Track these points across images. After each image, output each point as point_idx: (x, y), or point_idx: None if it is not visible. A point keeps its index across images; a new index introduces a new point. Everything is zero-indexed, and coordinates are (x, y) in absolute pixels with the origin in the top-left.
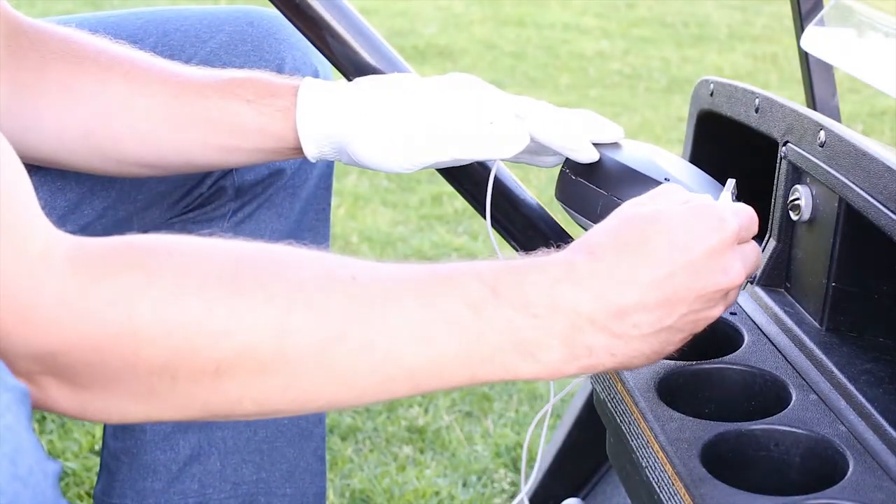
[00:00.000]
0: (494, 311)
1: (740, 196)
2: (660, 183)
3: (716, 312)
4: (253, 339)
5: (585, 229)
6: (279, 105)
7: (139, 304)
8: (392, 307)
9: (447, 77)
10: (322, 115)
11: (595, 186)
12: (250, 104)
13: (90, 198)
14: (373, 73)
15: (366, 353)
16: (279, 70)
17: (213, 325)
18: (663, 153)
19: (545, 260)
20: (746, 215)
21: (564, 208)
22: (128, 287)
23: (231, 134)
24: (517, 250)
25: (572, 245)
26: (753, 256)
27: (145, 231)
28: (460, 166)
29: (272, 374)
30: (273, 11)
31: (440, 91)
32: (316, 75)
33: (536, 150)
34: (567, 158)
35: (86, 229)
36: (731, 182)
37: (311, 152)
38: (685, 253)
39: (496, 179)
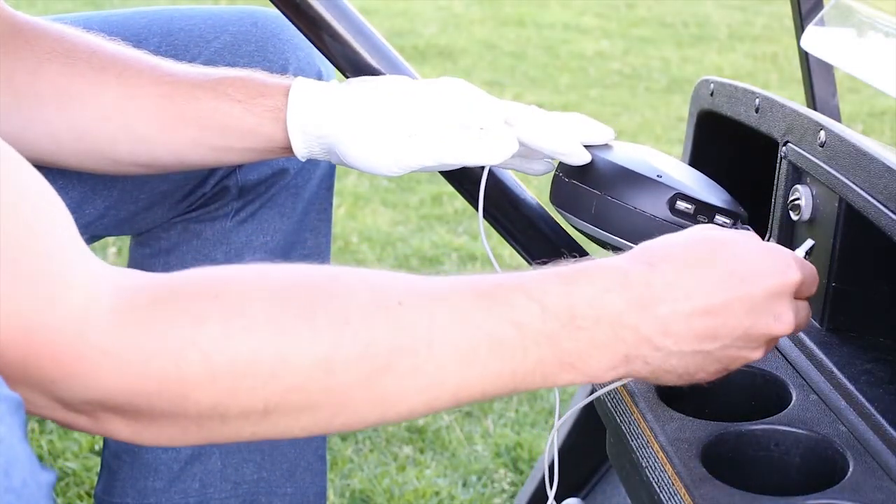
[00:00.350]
0: (541, 325)
1: (741, 197)
2: (653, 180)
3: (755, 355)
4: (300, 379)
5: (581, 232)
6: (270, 105)
7: (187, 353)
8: (438, 333)
9: (438, 81)
10: (312, 116)
11: (588, 187)
12: (241, 104)
13: (92, 197)
14: (373, 73)
15: (412, 380)
16: (283, 71)
17: (260, 368)
18: (654, 152)
19: (597, 267)
20: (811, 272)
21: (560, 212)
22: (174, 337)
23: (222, 134)
24: (517, 250)
25: (635, 250)
26: (804, 315)
27: (147, 229)
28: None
29: (320, 407)
30: (278, 12)
31: (431, 95)
32: (320, 76)
33: (527, 155)
34: (560, 162)
35: (87, 228)
36: (808, 242)
37: (301, 153)
38: (745, 286)
39: (497, 180)
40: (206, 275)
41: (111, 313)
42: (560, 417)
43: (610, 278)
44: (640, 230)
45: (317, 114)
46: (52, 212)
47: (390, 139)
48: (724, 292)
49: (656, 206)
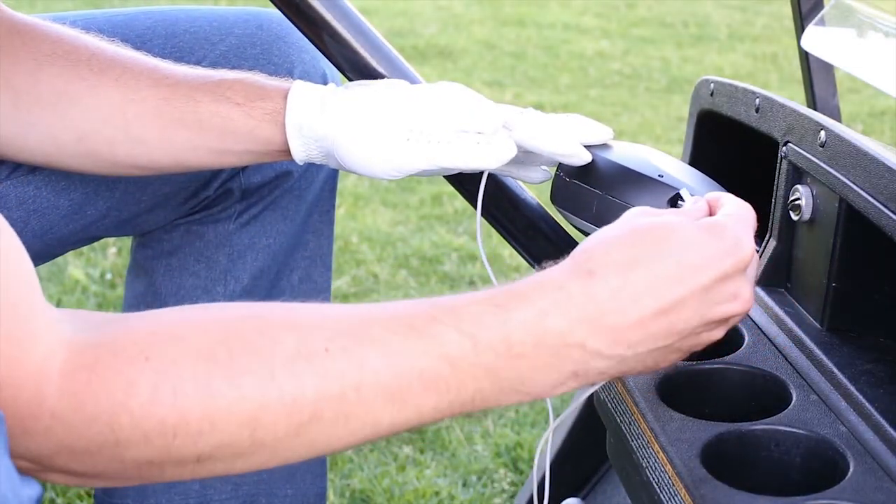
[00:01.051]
0: (474, 359)
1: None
2: (654, 180)
3: (717, 334)
4: (228, 436)
5: (582, 231)
6: (269, 108)
7: (119, 418)
8: (368, 376)
9: (436, 85)
10: (310, 119)
11: (589, 187)
12: (240, 107)
13: (94, 198)
14: (373, 74)
15: (342, 426)
16: (289, 74)
17: (188, 429)
18: (654, 152)
19: (534, 286)
20: (746, 221)
21: (561, 212)
22: (109, 402)
23: (221, 137)
24: (517, 251)
25: (572, 258)
26: (753, 272)
27: (150, 230)
28: None
29: (252, 455)
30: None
31: (429, 100)
32: (325, 79)
33: (525, 160)
34: (560, 163)
35: (88, 228)
36: (683, 189)
37: (300, 156)
38: (697, 277)
39: (497, 180)
40: (144, 330)
41: (61, 376)
42: (554, 421)
43: (548, 298)
44: None
45: (315, 117)
46: (14, 266)
47: (388, 143)
48: (676, 287)
49: (657, 206)
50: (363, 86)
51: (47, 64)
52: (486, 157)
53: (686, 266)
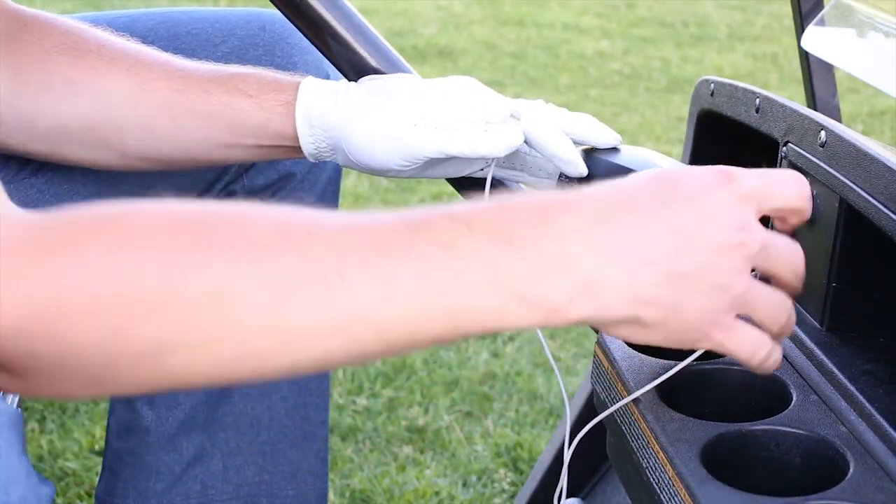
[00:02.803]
0: (470, 246)
1: None
2: None
3: (739, 281)
4: (191, 312)
5: None
6: (281, 100)
7: (68, 285)
8: (352, 261)
9: (447, 78)
10: (320, 109)
11: None
12: (252, 99)
13: (97, 202)
14: (373, 74)
15: (322, 314)
16: None
17: (146, 300)
18: (657, 155)
19: (534, 193)
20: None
21: None
22: (57, 270)
23: (231, 129)
24: None
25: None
26: (787, 251)
27: None
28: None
29: (217, 345)
30: None
31: (438, 89)
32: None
33: (532, 166)
34: None
35: None
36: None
37: (308, 148)
38: (694, 198)
39: (498, 182)
40: (105, 208)
41: (6, 246)
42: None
43: (550, 198)
44: None
45: (325, 107)
46: None
47: (395, 128)
48: (674, 208)
49: None
50: (374, 79)
51: (56, 53)
52: (494, 144)
53: (684, 188)
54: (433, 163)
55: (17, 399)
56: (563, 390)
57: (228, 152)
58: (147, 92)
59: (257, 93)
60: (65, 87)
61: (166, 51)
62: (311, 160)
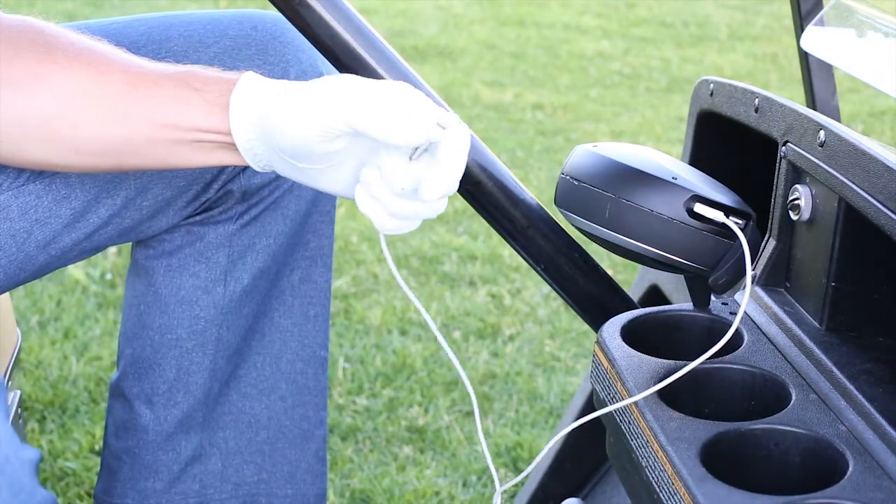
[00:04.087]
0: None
1: (741, 197)
2: (670, 182)
3: None
4: None
5: (587, 235)
6: (224, 90)
7: None
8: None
9: (384, 81)
10: (253, 99)
11: (601, 190)
12: (198, 92)
13: (95, 206)
14: (373, 74)
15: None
16: (285, 74)
17: None
18: (656, 152)
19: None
20: None
21: (566, 215)
22: None
23: (176, 124)
24: (517, 251)
25: None
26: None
27: (152, 236)
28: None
29: None
30: (278, 15)
31: (366, 82)
32: None
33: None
34: (567, 163)
35: (91, 237)
36: None
37: (241, 140)
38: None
39: (496, 180)
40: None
41: None
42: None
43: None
44: (657, 233)
45: (260, 96)
46: None
47: (311, 100)
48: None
49: (673, 209)
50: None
51: (25, 50)
52: (404, 131)
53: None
54: (352, 151)
55: (17, 397)
56: (489, 459)
57: (172, 152)
58: (102, 85)
59: (203, 86)
60: (28, 80)
61: (158, 54)
62: (245, 157)
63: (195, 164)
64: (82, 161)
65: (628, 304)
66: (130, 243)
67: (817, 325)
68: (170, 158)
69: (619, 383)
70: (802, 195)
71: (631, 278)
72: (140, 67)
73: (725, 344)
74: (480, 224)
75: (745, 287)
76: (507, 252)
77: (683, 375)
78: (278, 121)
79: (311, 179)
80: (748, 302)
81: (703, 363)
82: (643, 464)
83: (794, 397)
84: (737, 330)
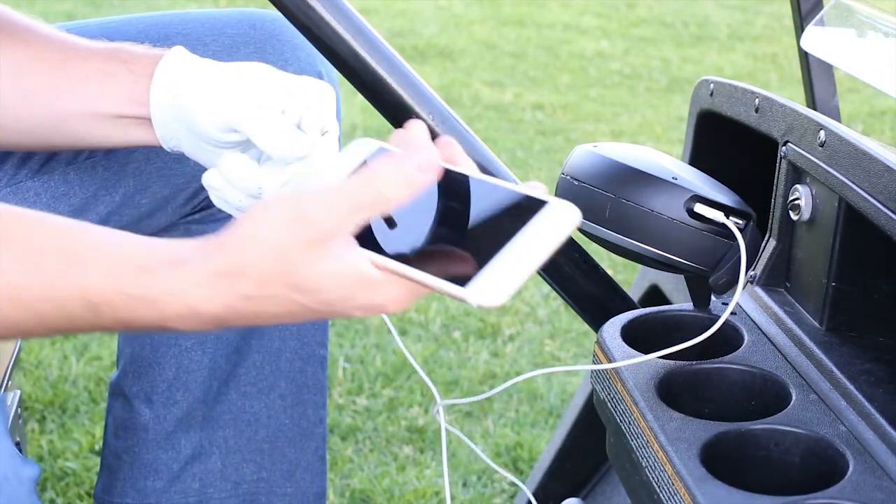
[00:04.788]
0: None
1: (741, 197)
2: (670, 182)
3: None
4: None
5: (586, 234)
6: (150, 62)
7: None
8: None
9: (302, 77)
10: (173, 76)
11: (602, 190)
12: (125, 64)
13: (94, 203)
14: (373, 74)
15: None
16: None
17: None
18: (656, 152)
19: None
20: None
21: None
22: None
23: (99, 96)
24: None
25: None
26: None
27: (150, 234)
28: None
29: None
30: (277, 14)
31: (282, 76)
32: (320, 78)
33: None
34: (567, 163)
35: None
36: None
37: (156, 111)
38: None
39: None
40: None
41: None
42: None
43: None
44: (657, 233)
45: (177, 72)
46: None
47: (218, 88)
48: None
49: (673, 209)
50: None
51: None
52: (285, 148)
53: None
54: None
55: (17, 397)
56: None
57: (92, 128)
58: (34, 62)
59: (130, 58)
60: None
61: None
62: (156, 131)
63: (112, 144)
64: (9, 139)
65: (628, 304)
66: None
67: (817, 325)
68: (87, 138)
69: (618, 383)
70: (802, 195)
71: (631, 278)
72: (73, 44)
73: (726, 344)
74: None
75: (738, 284)
76: None
77: (681, 374)
78: (190, 104)
79: (211, 163)
80: (749, 302)
81: (703, 363)
82: (643, 464)
83: (794, 397)
84: (737, 330)
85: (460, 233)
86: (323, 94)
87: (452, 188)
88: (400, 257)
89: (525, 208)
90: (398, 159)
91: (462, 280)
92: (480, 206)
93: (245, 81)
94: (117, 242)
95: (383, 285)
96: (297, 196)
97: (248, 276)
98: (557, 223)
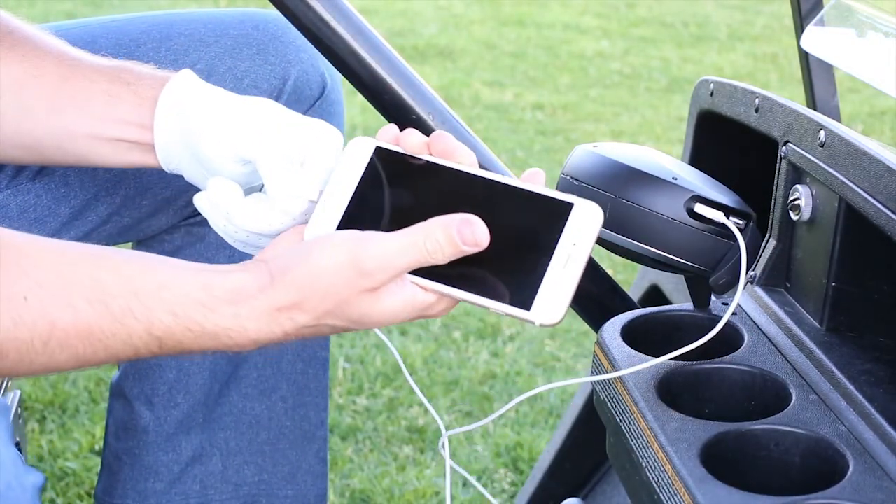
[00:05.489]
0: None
1: (741, 197)
2: (670, 182)
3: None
4: None
5: None
6: (156, 85)
7: None
8: (57, 334)
9: (314, 122)
10: (185, 96)
11: (601, 190)
12: (129, 86)
13: (94, 204)
14: (373, 74)
15: (24, 367)
16: (286, 74)
17: None
18: (656, 152)
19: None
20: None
21: None
22: None
23: (103, 116)
24: None
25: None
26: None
27: (152, 235)
28: None
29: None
30: (280, 15)
31: (282, 112)
32: (323, 79)
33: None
34: (567, 163)
35: (89, 235)
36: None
37: (160, 134)
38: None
39: None
40: None
41: None
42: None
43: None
44: (657, 233)
45: (184, 96)
46: None
47: (242, 111)
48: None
49: (674, 209)
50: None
51: None
52: (291, 186)
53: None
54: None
55: (17, 397)
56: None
57: (93, 149)
58: (35, 77)
59: (135, 80)
60: None
61: (158, 52)
62: (158, 155)
63: (112, 164)
64: (7, 153)
65: (628, 304)
66: (130, 243)
67: (817, 325)
68: (89, 156)
69: (618, 383)
70: (803, 195)
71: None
72: (75, 60)
73: (726, 344)
74: None
75: (739, 285)
76: None
77: (681, 374)
78: (197, 129)
79: None
80: (749, 302)
81: (702, 363)
82: (643, 464)
83: (794, 397)
84: (737, 330)
85: (502, 245)
86: (331, 141)
87: (483, 195)
88: (447, 279)
89: (554, 213)
90: (448, 225)
91: (520, 301)
92: (512, 215)
93: (257, 115)
94: (179, 281)
95: (434, 306)
96: (357, 245)
97: (306, 312)
98: (587, 225)
